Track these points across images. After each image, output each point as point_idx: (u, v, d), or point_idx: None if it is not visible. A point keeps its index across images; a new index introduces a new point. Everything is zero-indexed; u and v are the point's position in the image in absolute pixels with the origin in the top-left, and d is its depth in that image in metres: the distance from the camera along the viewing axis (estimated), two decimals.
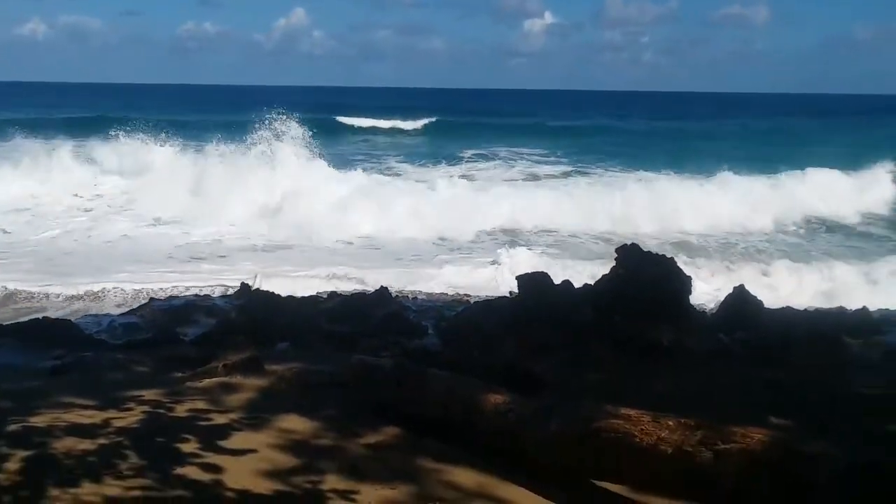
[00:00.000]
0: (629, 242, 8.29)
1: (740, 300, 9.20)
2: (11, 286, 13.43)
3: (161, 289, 13.37)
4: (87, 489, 3.98)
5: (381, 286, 10.96)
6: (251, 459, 4.48)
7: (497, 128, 50.21)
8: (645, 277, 7.81)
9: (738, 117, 71.97)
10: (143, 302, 11.52)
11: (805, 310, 10.49)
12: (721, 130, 55.16)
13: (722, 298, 9.80)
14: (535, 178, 30.09)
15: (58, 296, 13.09)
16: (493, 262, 16.04)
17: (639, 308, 7.53)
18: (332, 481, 4.27)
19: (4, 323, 9.55)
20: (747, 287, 9.42)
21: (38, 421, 4.97)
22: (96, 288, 13.57)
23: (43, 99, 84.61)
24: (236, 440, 4.76)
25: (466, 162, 33.77)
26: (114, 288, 13.57)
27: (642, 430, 3.97)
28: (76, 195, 24.47)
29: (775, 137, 48.31)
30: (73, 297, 13.09)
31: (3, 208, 22.18)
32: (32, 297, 13.07)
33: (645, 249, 8.19)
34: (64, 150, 27.81)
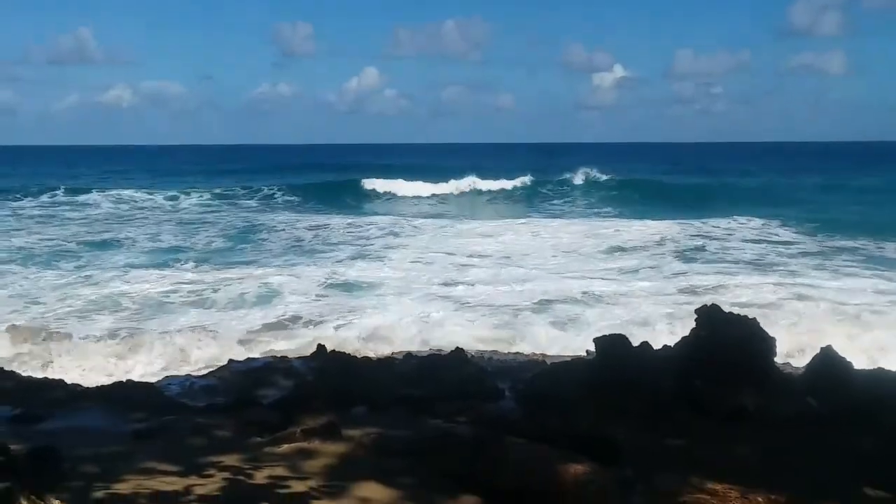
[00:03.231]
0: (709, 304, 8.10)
1: (828, 361, 8.85)
2: None
3: None
4: None
5: (457, 347, 10.93)
6: None
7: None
8: (726, 339, 7.61)
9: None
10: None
11: None
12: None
13: None
14: None
15: None
16: None
17: (720, 371, 7.34)
18: None
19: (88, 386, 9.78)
20: None
21: (123, 488, 5.05)
22: None
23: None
24: None
25: None
26: None
27: None
28: None
29: None
30: None
31: None
32: None
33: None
34: None
